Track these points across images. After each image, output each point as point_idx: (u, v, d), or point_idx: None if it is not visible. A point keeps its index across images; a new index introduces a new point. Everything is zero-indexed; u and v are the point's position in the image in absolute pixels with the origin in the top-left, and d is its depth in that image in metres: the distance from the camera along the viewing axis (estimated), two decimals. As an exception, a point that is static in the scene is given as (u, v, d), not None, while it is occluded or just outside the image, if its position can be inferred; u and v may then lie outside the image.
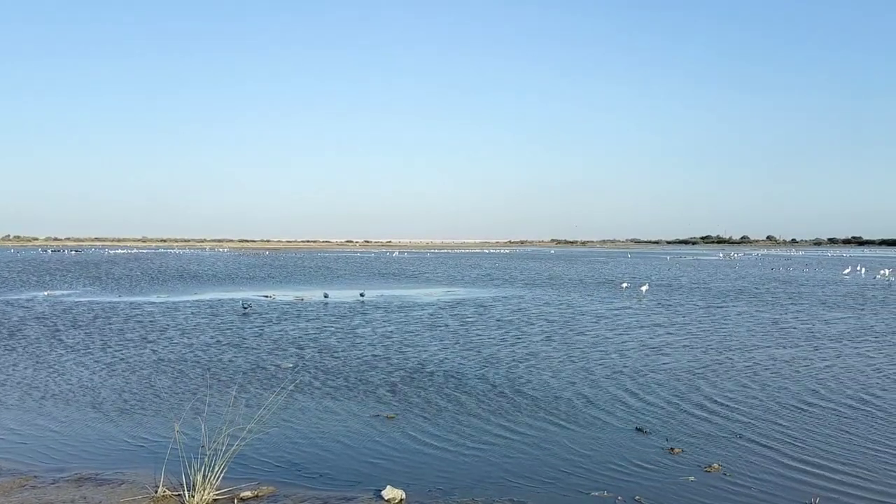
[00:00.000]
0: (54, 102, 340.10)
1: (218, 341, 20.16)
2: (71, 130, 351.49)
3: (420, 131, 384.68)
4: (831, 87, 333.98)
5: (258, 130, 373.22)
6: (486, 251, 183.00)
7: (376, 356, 17.72)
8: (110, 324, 24.23)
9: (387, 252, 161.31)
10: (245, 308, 29.12)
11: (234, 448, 8.29)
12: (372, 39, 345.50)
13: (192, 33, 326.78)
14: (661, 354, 18.22)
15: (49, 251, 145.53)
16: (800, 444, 10.23)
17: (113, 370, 15.87)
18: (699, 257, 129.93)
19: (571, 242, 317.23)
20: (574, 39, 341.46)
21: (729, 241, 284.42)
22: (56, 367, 16.26)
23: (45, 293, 37.67)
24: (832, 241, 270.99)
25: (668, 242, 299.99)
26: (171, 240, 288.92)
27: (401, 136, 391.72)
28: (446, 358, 17.47)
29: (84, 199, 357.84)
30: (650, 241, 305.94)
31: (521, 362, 16.91)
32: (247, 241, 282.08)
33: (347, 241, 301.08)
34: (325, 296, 35.92)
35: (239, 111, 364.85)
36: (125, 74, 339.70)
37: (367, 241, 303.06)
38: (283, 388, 13.50)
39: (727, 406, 12.58)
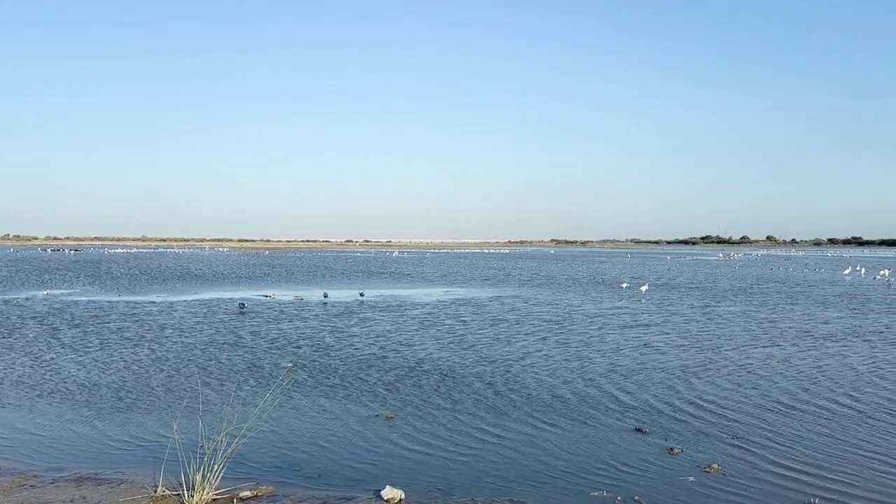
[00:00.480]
0: (54, 102, 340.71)
1: (216, 340, 20.16)
2: (71, 130, 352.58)
3: (420, 131, 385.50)
4: (831, 87, 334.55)
5: (258, 130, 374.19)
6: (486, 251, 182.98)
7: (375, 355, 17.73)
8: (109, 323, 24.24)
9: (386, 252, 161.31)
10: (241, 308, 29.14)
11: (232, 447, 8.29)
12: (372, 39, 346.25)
13: (193, 33, 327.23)
14: (660, 354, 18.22)
15: (49, 250, 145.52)
16: (799, 445, 10.23)
17: (111, 369, 15.87)
18: (699, 257, 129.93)
19: (571, 242, 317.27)
20: (574, 39, 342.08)
21: (729, 242, 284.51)
22: (54, 366, 16.26)
23: (45, 292, 37.66)
24: (832, 241, 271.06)
25: (668, 242, 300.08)
26: (170, 239, 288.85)
27: (401, 136, 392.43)
28: (445, 357, 17.48)
29: (84, 199, 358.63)
30: (650, 242, 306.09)
31: (519, 362, 16.92)
32: (246, 240, 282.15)
33: (347, 241, 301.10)
34: (325, 295, 35.92)
35: (239, 111, 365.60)
36: (125, 74, 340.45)
37: (367, 241, 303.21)
38: (281, 387, 13.51)
39: (726, 406, 12.59)
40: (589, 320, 25.96)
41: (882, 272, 63.92)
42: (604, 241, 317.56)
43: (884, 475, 8.94)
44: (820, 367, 16.55)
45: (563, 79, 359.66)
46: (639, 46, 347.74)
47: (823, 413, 12.14)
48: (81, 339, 20.30)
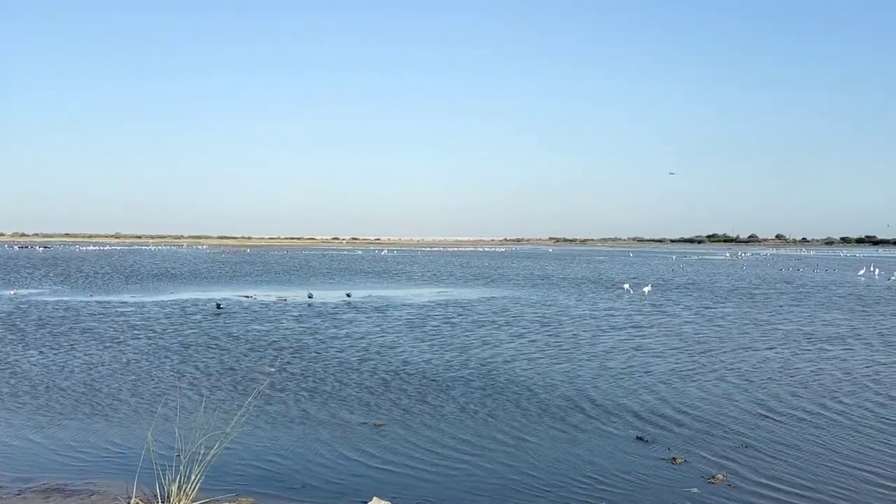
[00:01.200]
0: (29, 98, 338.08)
1: (193, 343, 20.11)
2: (45, 124, 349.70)
3: (412, 126, 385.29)
4: (843, 80, 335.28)
5: (243, 125, 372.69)
6: (481, 250, 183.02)
7: (362, 359, 17.73)
8: (79, 324, 24.13)
9: (376, 250, 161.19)
10: (219, 308, 29.16)
11: (210, 456, 8.25)
12: (367, 35, 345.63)
13: (186, 28, 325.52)
14: (661, 358, 18.29)
15: (16, 247, 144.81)
16: (808, 454, 10.29)
17: (81, 373, 15.79)
18: (705, 257, 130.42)
19: (570, 241, 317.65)
20: (576, 34, 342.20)
21: (736, 240, 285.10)
22: (19, 369, 16.17)
23: (12, 292, 37.44)
24: (844, 240, 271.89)
25: (673, 241, 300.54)
26: (146, 236, 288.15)
27: (398, 133, 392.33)
28: (435, 362, 17.50)
29: (57, 195, 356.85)
30: (654, 240, 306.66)
31: (512, 366, 16.95)
32: (227, 237, 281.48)
33: (334, 239, 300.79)
34: (310, 296, 35.87)
35: (222, 105, 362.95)
36: (109, 67, 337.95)
37: (355, 239, 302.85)
38: (262, 392, 13.48)
39: (731, 413, 12.64)
40: (585, 323, 26.03)
41: (896, 273, 64.33)
42: (604, 240, 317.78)
43: (891, 485, 9.01)
44: (834, 373, 16.63)
45: (565, 73, 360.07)
46: (643, 40, 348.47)
47: (832, 421, 12.21)
48: (49, 341, 20.20)
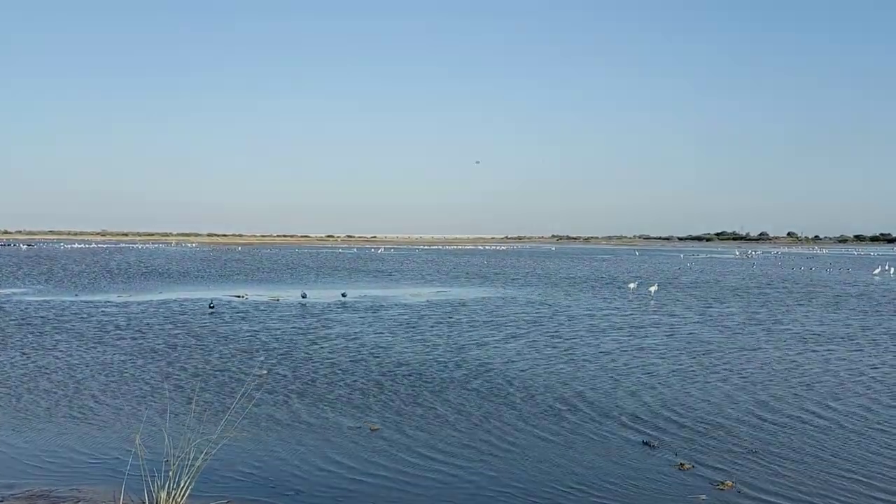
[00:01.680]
0: (13, 94, 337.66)
1: (183, 345, 20.11)
2: (30, 120, 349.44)
3: (416, 124, 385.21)
4: (856, 75, 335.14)
5: (231, 117, 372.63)
6: (481, 248, 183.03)
7: (358, 362, 17.74)
8: (64, 325, 24.11)
9: (371, 248, 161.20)
10: (211, 308, 29.26)
11: (200, 462, 8.27)
12: (363, 25, 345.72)
13: (182, 24, 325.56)
14: (667, 360, 18.30)
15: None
16: (819, 460, 10.31)
17: (65, 375, 15.78)
18: (713, 255, 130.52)
19: (574, 238, 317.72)
20: (579, 31, 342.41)
21: (746, 238, 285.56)
22: (1, 373, 16.17)
23: (-7, 291, 37.46)
24: (858, 237, 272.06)
25: (680, 239, 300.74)
26: (133, 233, 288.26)
27: (397, 129, 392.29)
28: (433, 364, 17.51)
29: (39, 190, 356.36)
30: (660, 238, 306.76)
31: (512, 368, 16.96)
32: (217, 235, 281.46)
33: (328, 236, 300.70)
34: (304, 296, 35.88)
35: (208, 96, 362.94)
36: (90, 54, 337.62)
37: (350, 237, 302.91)
38: (254, 395, 13.49)
39: (739, 416, 12.66)
40: (587, 324, 26.04)
41: (912, 271, 64.41)
42: (609, 238, 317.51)
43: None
44: (832, 374, 16.66)
45: (568, 71, 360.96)
46: (649, 34, 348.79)
47: (840, 425, 12.22)
48: (31, 342, 20.19)
